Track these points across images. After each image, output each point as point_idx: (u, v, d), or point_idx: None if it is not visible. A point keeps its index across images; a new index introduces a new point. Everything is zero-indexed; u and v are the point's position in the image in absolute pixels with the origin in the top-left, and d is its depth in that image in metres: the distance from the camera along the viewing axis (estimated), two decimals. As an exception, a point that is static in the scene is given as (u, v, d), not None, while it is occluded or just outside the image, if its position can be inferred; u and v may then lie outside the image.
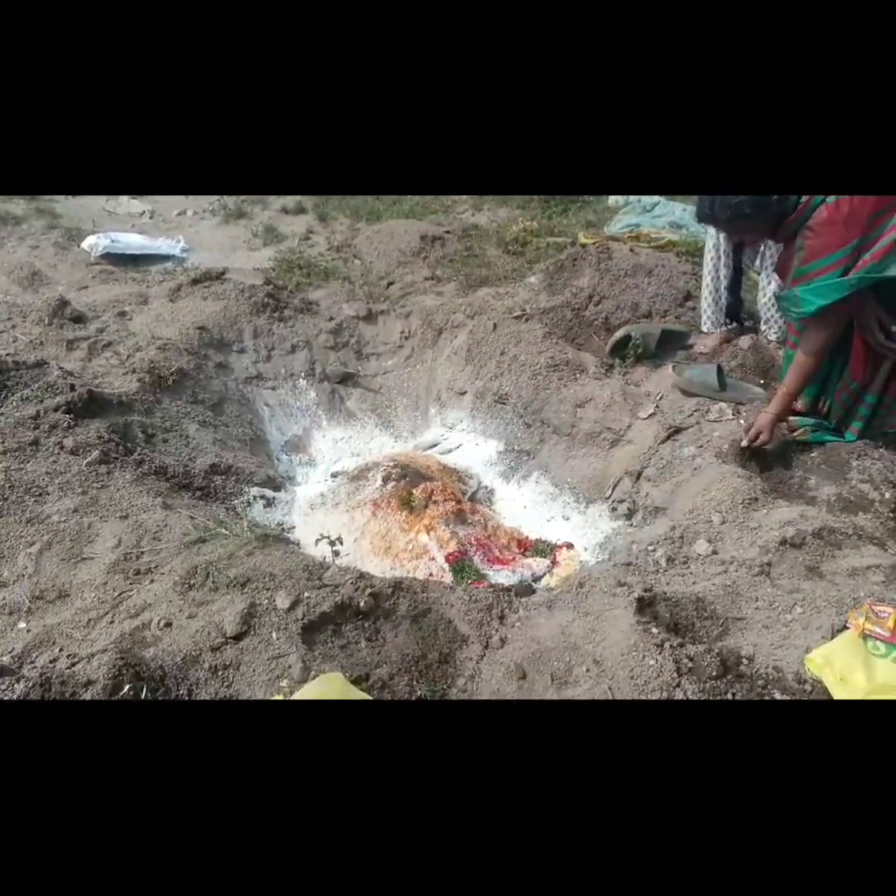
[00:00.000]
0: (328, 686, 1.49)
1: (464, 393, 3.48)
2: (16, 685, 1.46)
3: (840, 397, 2.45)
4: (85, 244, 4.30)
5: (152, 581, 1.85)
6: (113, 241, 4.31)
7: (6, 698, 1.42)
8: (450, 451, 3.35)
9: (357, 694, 1.50)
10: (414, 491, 2.75)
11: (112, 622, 1.73)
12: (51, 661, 1.59)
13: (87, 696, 1.45)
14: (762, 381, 2.94)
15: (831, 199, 2.05)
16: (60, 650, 1.64)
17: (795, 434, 2.55)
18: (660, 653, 1.56)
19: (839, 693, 1.48)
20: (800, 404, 2.59)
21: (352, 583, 1.83)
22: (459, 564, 2.48)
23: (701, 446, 2.55)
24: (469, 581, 2.37)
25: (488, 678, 1.65)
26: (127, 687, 1.49)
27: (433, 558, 2.50)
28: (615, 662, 1.58)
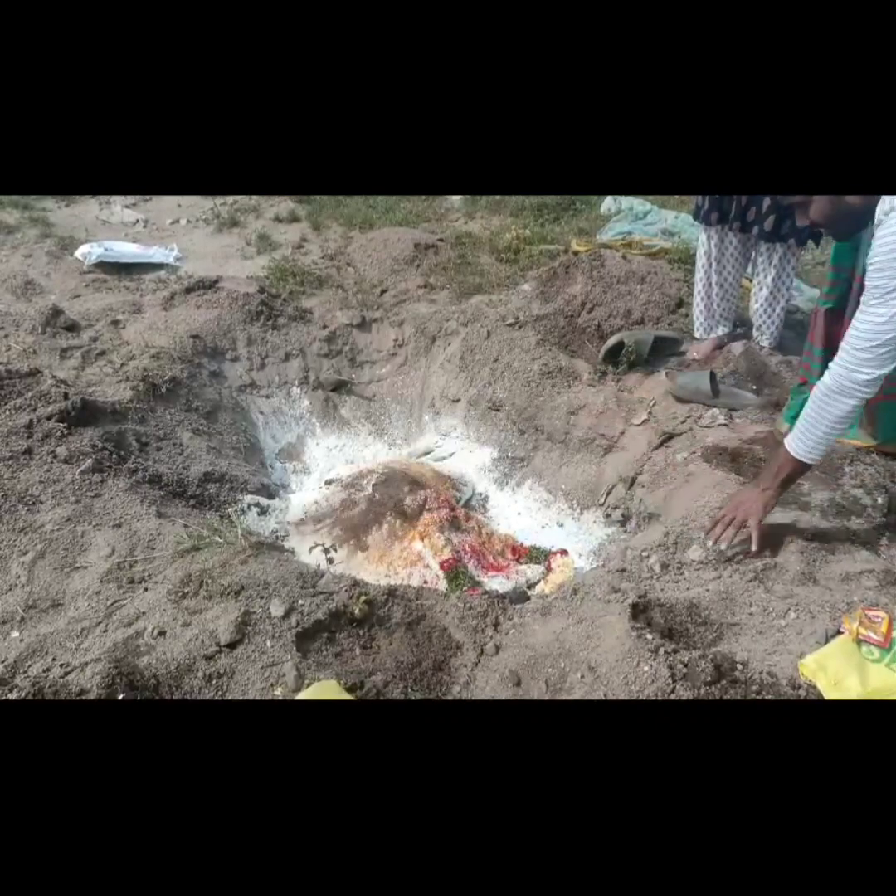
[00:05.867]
0: (323, 694, 1.49)
1: (457, 400, 3.49)
2: (8, 695, 1.46)
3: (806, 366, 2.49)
4: (78, 253, 4.29)
5: (146, 590, 1.84)
6: (106, 249, 4.30)
7: (-1, 708, 1.42)
8: (444, 458, 3.35)
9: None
10: (408, 498, 2.75)
11: (105, 631, 1.72)
12: (44, 671, 1.59)
13: (81, 705, 1.44)
14: (755, 387, 2.96)
15: None
16: (53, 659, 1.63)
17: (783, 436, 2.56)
18: (654, 659, 1.56)
19: (833, 698, 1.48)
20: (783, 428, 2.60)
21: (346, 590, 1.83)
22: (453, 571, 2.47)
23: (694, 452, 2.56)
24: (463, 588, 2.36)
25: (483, 685, 1.65)
26: (120, 696, 1.48)
27: (427, 565, 2.50)
28: (609, 668, 1.58)
